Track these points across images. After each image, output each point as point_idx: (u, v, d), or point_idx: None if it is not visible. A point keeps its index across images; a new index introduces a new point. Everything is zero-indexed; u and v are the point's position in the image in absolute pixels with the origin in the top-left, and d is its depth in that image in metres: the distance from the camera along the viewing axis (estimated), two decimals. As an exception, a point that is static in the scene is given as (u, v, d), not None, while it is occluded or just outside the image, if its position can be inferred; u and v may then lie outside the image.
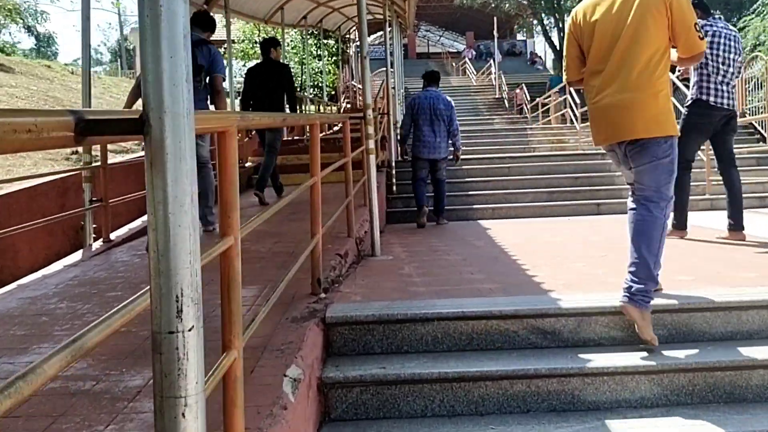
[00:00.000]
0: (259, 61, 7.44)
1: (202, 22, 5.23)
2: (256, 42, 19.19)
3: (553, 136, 15.20)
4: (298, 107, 9.15)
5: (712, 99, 4.85)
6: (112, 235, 5.56)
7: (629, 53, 2.95)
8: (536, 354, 2.85)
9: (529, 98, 20.61)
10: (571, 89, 16.03)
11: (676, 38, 2.97)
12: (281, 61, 7.46)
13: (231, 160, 1.69)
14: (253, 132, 8.66)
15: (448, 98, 7.34)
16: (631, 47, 2.94)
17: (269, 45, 7.16)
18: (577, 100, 15.83)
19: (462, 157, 7.86)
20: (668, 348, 2.81)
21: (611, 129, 3.05)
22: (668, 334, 2.94)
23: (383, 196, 7.81)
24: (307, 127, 6.79)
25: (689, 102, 5.08)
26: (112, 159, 8.43)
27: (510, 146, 14.55)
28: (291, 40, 19.84)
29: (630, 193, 3.17)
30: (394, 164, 8.54)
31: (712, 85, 4.87)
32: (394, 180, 8.38)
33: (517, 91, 22.04)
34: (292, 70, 7.78)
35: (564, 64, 3.41)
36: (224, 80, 5.45)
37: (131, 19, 34.62)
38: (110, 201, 5.49)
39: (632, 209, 3.06)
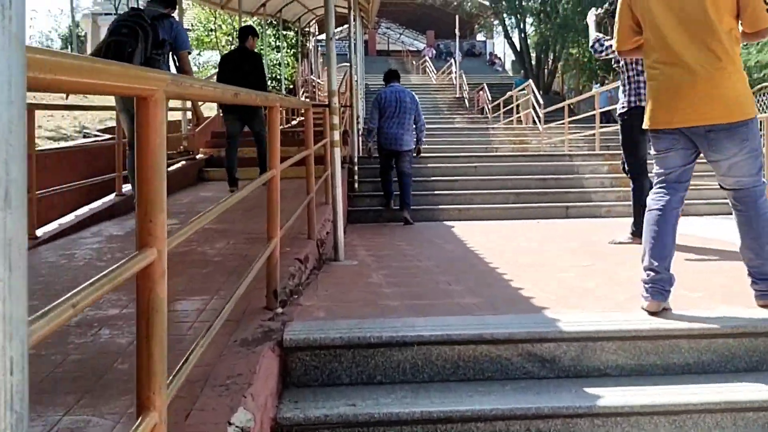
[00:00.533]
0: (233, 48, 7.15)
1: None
2: (212, 30, 18.39)
3: (516, 137, 14.97)
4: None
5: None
6: (39, 232, 4.89)
7: (707, 23, 2.61)
8: (534, 387, 2.40)
9: (490, 98, 20.38)
10: (535, 92, 15.93)
11: (741, 9, 2.62)
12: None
13: (155, 137, 1.16)
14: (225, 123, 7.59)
15: (412, 93, 7.39)
16: (708, 15, 2.60)
17: (247, 33, 7.06)
18: (541, 102, 15.67)
19: (429, 155, 7.44)
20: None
21: (690, 110, 2.66)
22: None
23: (345, 194, 7.26)
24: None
25: (624, 109, 4.76)
26: (48, 145, 7.72)
27: (472, 146, 14.24)
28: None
29: (661, 187, 2.82)
30: (356, 161, 8.03)
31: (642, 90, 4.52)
32: (356, 177, 7.87)
33: (480, 93, 21.78)
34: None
35: (615, 30, 3.01)
36: (190, 54, 5.00)
37: (83, 4, 32.99)
38: (38, 192, 4.83)
39: (663, 206, 2.74)
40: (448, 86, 26.85)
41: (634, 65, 4.63)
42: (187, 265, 3.78)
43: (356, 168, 7.91)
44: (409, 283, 3.69)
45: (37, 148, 5.43)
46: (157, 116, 1.15)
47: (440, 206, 7.75)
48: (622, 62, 4.71)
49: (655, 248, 2.73)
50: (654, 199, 2.84)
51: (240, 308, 2.71)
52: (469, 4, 28.06)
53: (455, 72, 25.86)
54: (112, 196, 5.92)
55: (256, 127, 6.71)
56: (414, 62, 37.61)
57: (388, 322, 2.71)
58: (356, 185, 7.88)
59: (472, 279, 3.72)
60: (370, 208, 7.71)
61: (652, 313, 2.66)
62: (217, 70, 7.25)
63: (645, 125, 2.90)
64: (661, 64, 2.75)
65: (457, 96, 24.73)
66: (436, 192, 8.09)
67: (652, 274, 2.70)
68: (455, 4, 27.55)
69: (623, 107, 4.79)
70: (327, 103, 4.62)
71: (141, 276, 1.16)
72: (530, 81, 16.55)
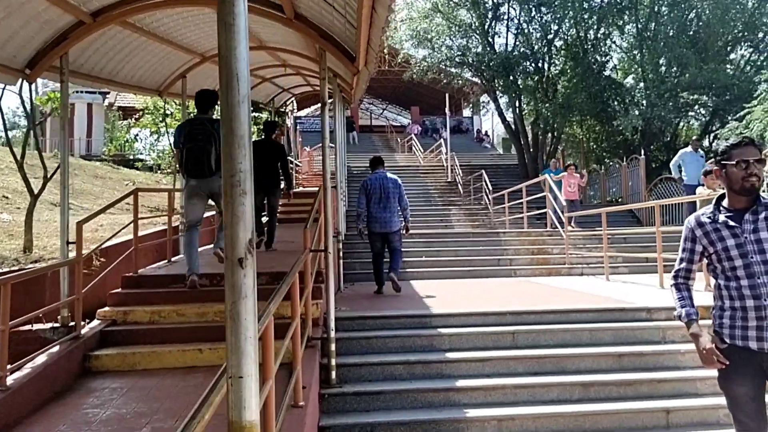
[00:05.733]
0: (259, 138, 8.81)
1: (202, 104, 5.94)
2: (166, 114, 15.85)
3: (532, 244, 12.25)
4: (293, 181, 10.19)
5: None
6: None
7: None
8: None
9: (490, 188, 17.83)
10: (550, 180, 13.42)
11: None
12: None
13: None
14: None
15: (395, 177, 7.97)
16: None
17: (273, 127, 8.90)
18: (563, 201, 13.11)
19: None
20: None
21: None
22: None
23: (336, 260, 7.84)
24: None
25: None
26: None
27: (479, 257, 11.51)
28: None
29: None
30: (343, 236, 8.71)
31: None
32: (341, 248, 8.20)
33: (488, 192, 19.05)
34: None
35: None
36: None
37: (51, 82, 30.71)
38: None
39: None
40: (437, 168, 24.44)
41: None
42: None
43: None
44: None
45: None
46: None
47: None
48: None
49: None
50: None
51: None
52: (459, 81, 25.94)
53: (446, 153, 23.52)
54: None
55: (273, 202, 8.44)
56: (399, 139, 35.48)
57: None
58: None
59: None
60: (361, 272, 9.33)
61: None
62: None
63: None
64: None
65: (449, 180, 22.28)
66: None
67: None
68: (444, 81, 25.41)
69: None
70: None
71: None
72: (548, 175, 13.96)
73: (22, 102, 7.42)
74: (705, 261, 3.08)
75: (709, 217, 2.99)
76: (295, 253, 5.69)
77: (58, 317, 5.10)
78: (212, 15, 6.73)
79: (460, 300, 7.30)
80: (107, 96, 30.18)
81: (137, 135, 20.09)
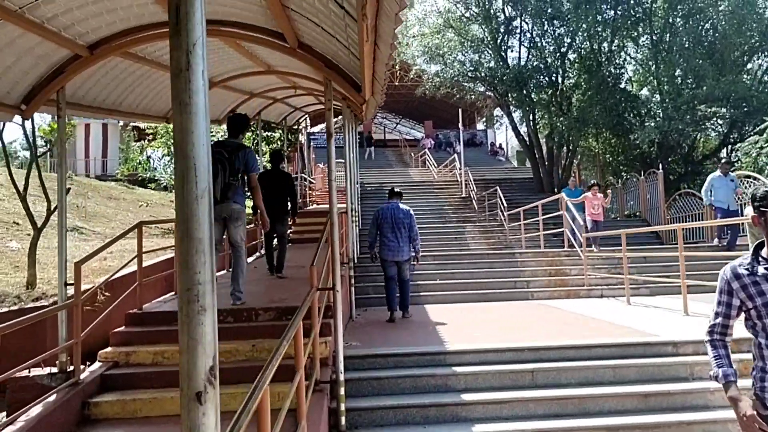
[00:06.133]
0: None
1: (234, 129, 6.20)
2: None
3: (549, 265, 11.93)
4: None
5: None
6: None
7: None
8: None
9: (505, 205, 17.52)
10: (567, 200, 13.10)
11: None
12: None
13: None
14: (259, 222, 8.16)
15: (407, 208, 8.32)
16: None
17: (280, 158, 9.03)
18: (581, 221, 12.81)
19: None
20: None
21: None
22: None
23: (347, 290, 8.14)
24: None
25: None
26: None
27: (496, 279, 11.22)
28: (222, 134, 16.56)
29: None
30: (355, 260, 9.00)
31: None
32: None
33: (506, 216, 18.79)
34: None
35: None
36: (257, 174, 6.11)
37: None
38: None
39: None
40: (452, 183, 24.18)
41: None
42: None
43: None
44: None
45: None
46: None
47: None
48: None
49: None
50: None
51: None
52: (473, 96, 25.69)
53: (460, 168, 23.27)
54: None
55: (281, 230, 8.49)
56: (412, 154, 35.29)
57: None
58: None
59: None
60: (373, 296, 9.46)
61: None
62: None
63: None
64: None
65: (463, 196, 22.00)
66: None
67: None
68: (457, 96, 25.19)
69: None
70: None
71: None
72: (563, 195, 13.64)
73: (25, 134, 7.34)
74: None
75: (747, 269, 2.70)
76: (305, 281, 5.44)
77: (57, 362, 4.91)
78: (221, 45, 6.60)
79: (476, 329, 7.02)
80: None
81: (150, 156, 20.06)
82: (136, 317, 6.00)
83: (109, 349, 5.54)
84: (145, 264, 8.63)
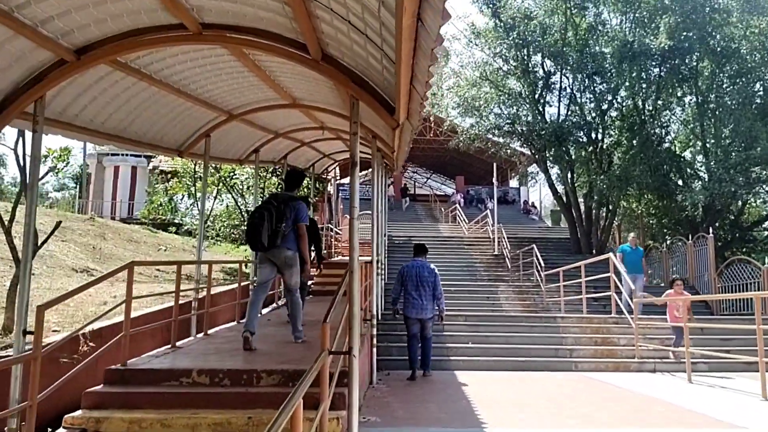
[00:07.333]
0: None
1: (289, 183, 6.63)
2: (197, 178, 15.26)
3: (594, 332, 10.72)
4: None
5: None
6: None
7: None
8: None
9: (542, 264, 16.38)
10: (615, 260, 11.93)
11: None
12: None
13: None
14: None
15: (432, 266, 8.30)
16: None
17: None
18: (632, 286, 11.63)
19: None
20: None
21: None
22: None
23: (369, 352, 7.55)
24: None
25: None
26: None
27: (534, 346, 10.07)
28: (246, 177, 15.93)
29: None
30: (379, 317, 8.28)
31: None
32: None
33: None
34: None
35: None
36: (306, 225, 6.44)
37: (89, 144, 31.02)
38: None
39: None
40: (483, 240, 23.13)
41: None
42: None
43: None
44: None
45: None
46: None
47: None
48: None
49: None
50: None
51: None
52: (507, 151, 24.82)
53: (493, 225, 22.25)
54: None
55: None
56: (443, 209, 34.42)
57: None
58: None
59: None
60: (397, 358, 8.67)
61: None
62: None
63: None
64: None
65: (496, 253, 20.91)
66: None
67: None
68: (491, 151, 24.39)
69: None
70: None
71: None
72: (611, 255, 12.51)
73: (17, 158, 6.60)
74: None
75: None
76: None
77: (5, 429, 3.97)
78: (238, 67, 5.87)
79: (519, 409, 5.91)
80: (152, 159, 30.27)
81: (171, 199, 19.53)
82: (117, 374, 5.06)
83: (78, 412, 4.58)
84: (144, 311, 7.80)
